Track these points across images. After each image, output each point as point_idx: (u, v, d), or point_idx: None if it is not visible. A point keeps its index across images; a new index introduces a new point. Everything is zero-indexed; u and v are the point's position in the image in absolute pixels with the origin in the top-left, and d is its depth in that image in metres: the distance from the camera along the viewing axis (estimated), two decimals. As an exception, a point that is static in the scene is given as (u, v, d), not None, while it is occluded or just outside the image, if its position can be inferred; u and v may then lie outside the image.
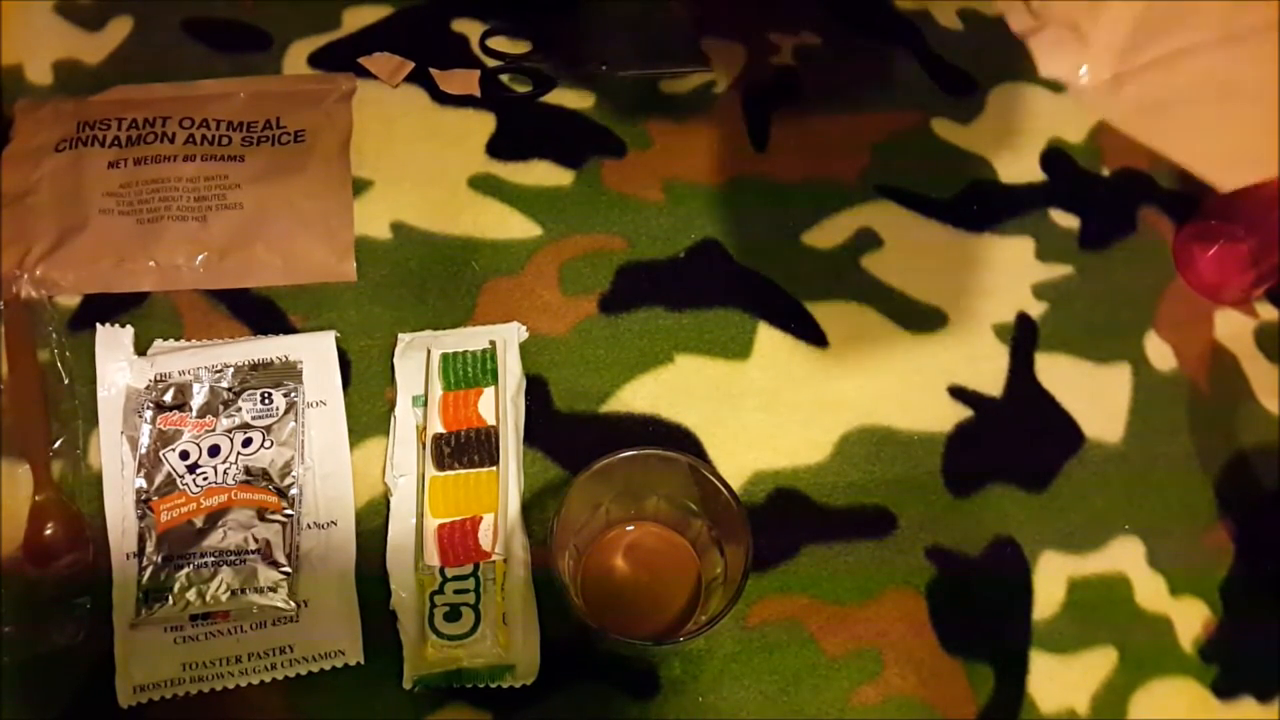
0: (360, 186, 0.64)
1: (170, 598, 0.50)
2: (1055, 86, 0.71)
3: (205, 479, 0.53)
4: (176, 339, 0.58)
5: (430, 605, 0.51)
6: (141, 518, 0.53)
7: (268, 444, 0.54)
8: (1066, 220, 0.66)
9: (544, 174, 0.65)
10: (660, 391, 0.59)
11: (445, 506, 0.53)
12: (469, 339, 0.58)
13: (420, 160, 0.65)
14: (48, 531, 0.53)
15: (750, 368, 0.60)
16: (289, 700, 0.51)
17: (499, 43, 0.70)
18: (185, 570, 0.51)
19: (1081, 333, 0.63)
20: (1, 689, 0.50)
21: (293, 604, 0.51)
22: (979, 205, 0.66)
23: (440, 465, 0.54)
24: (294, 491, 0.54)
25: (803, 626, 0.54)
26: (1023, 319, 0.63)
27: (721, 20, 0.71)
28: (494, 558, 0.52)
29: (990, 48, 0.72)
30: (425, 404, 0.56)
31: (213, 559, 0.51)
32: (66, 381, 0.56)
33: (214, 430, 0.54)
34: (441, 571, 0.52)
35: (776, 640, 0.53)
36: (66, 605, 0.51)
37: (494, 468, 0.54)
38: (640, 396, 0.59)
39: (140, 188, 0.61)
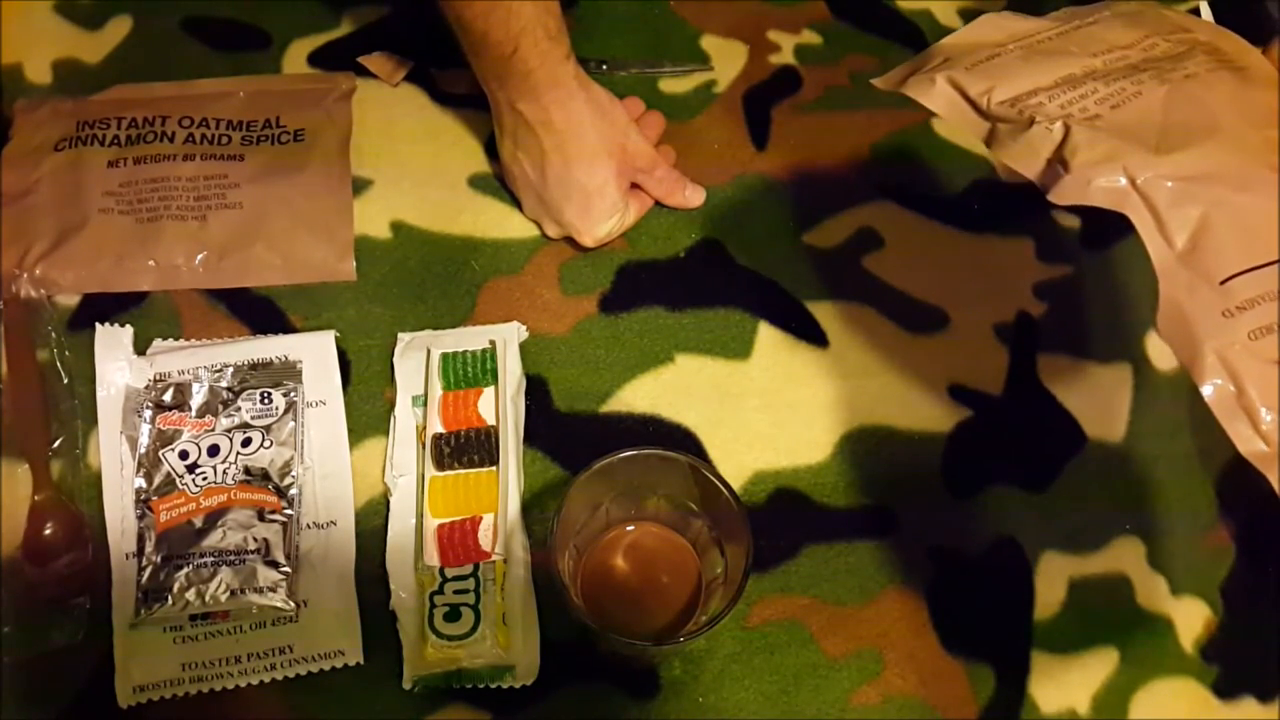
0: (360, 186, 0.64)
1: (170, 598, 0.50)
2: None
3: (205, 479, 0.53)
4: (176, 338, 0.58)
5: (430, 605, 0.51)
6: (141, 517, 0.53)
7: (267, 444, 0.54)
8: (1067, 220, 0.66)
9: (544, 173, 0.65)
10: (660, 391, 0.59)
11: (445, 506, 0.53)
12: (469, 339, 0.58)
13: (420, 160, 0.65)
14: (47, 531, 0.53)
15: (750, 367, 0.60)
16: (289, 700, 0.51)
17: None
18: (185, 570, 0.51)
19: (1082, 332, 0.62)
20: (1, 689, 0.50)
21: (292, 604, 0.51)
22: (980, 204, 0.66)
23: (440, 465, 0.54)
24: (293, 491, 0.54)
25: (803, 627, 0.54)
26: (1023, 318, 0.62)
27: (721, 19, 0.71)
28: (494, 558, 0.52)
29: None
30: (425, 404, 0.56)
31: (212, 559, 0.51)
32: (66, 381, 0.56)
33: (213, 430, 0.54)
34: (441, 572, 0.52)
35: (777, 640, 0.53)
36: (66, 605, 0.51)
37: (494, 468, 0.54)
38: (640, 396, 0.59)
39: (140, 187, 0.61)
